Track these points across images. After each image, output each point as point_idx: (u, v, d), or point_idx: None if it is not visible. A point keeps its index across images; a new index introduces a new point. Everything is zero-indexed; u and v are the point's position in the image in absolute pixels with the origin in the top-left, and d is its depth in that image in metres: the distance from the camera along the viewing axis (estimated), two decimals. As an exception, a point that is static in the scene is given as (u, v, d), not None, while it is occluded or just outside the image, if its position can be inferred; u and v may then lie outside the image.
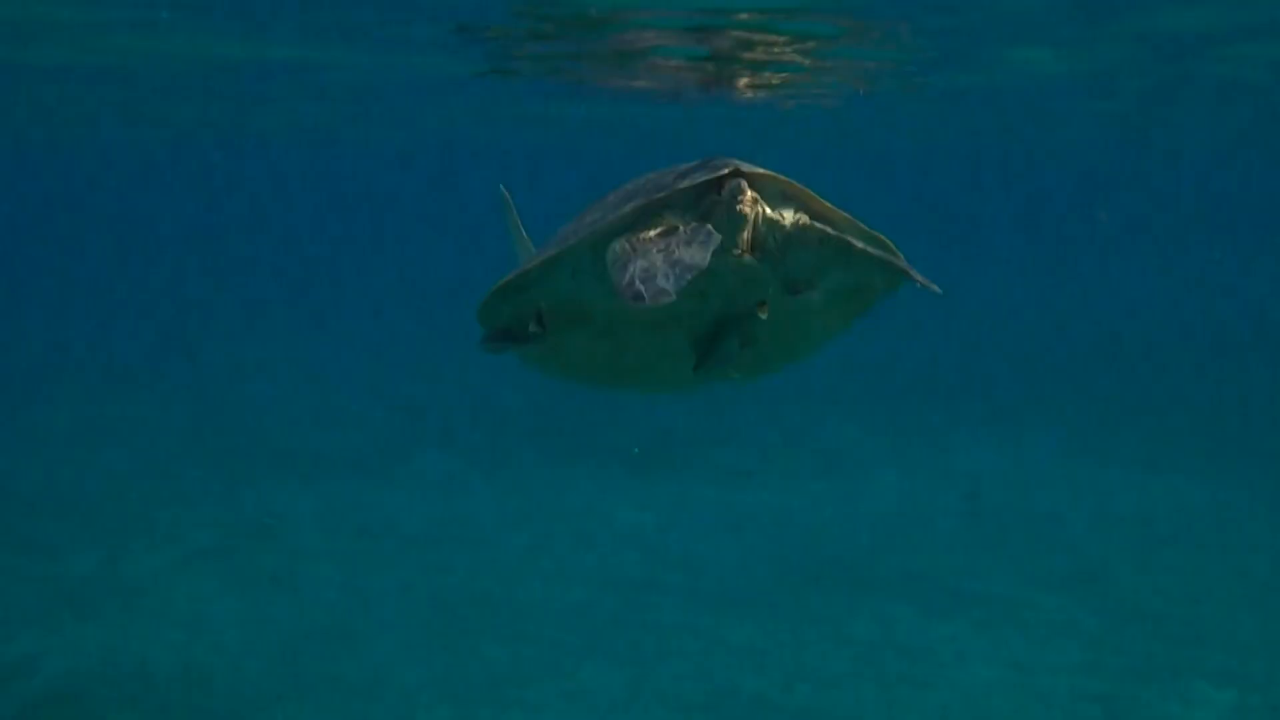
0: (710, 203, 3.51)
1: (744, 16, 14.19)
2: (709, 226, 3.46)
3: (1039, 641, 11.25)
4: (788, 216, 3.63)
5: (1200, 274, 45.18)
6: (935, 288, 3.77)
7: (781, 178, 3.61)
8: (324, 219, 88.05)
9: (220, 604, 12.38)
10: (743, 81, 19.17)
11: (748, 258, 3.60)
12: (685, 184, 3.49)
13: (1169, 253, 56.56)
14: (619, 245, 3.51)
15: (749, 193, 3.50)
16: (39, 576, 13.05)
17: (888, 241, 3.83)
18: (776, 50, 16.33)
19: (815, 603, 12.34)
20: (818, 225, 3.64)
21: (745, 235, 3.55)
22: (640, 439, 18.49)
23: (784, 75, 18.76)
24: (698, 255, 3.34)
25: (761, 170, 3.58)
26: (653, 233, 3.49)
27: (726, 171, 3.51)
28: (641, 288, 3.29)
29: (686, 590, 12.78)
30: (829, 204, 3.74)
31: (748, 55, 16.76)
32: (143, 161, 52.74)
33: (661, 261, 3.35)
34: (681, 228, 3.49)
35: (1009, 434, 19.53)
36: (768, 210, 3.59)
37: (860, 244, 3.70)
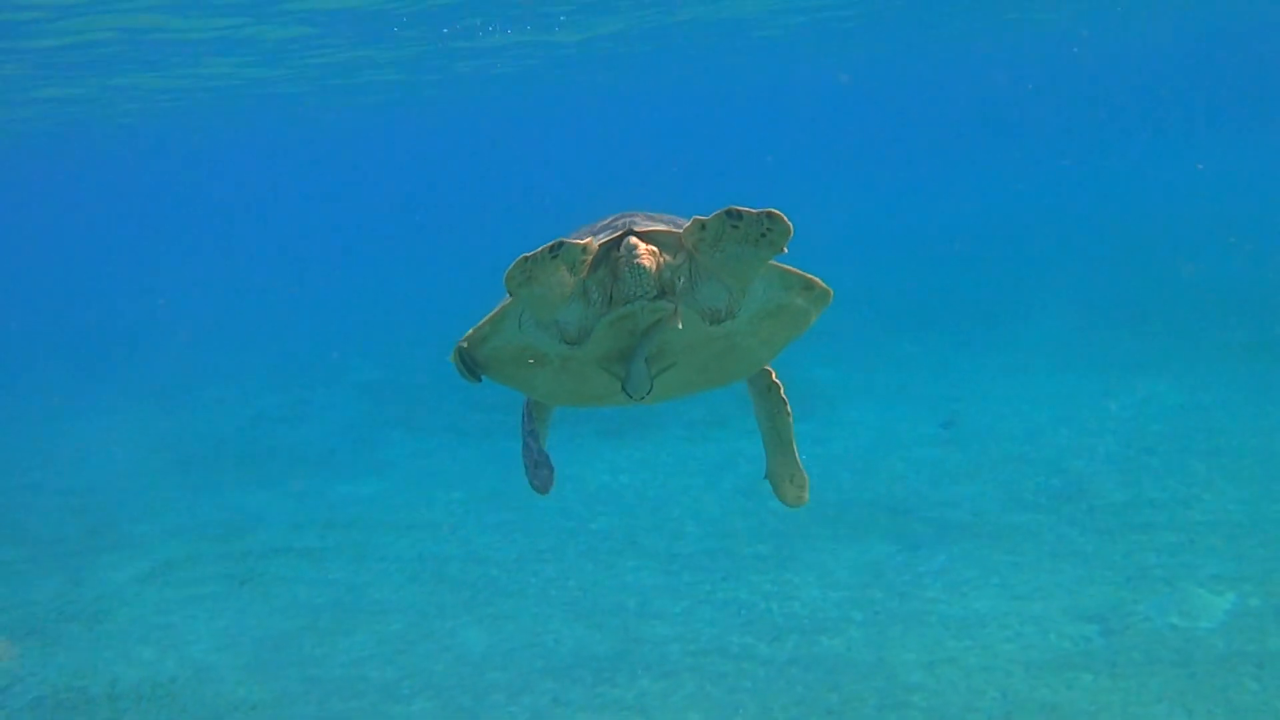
0: (614, 258, 3.89)
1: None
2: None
3: (1030, 565, 10.93)
4: (684, 260, 3.97)
5: (1147, 170, 44.86)
6: (830, 291, 4.39)
7: (676, 230, 3.90)
8: (265, 215, 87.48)
9: (189, 615, 12.01)
10: None
11: (662, 301, 3.97)
12: (596, 242, 3.85)
13: (1105, 149, 56.15)
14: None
15: (643, 247, 3.86)
16: (1, 607, 12.64)
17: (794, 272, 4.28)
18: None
19: (799, 550, 12.00)
20: (722, 260, 3.91)
21: (651, 282, 3.91)
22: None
23: None
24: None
25: (657, 227, 3.91)
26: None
27: (621, 233, 3.88)
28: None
29: (665, 550, 12.45)
30: None
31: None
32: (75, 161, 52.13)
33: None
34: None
35: (980, 354, 19.23)
36: (668, 258, 3.93)
37: (759, 271, 3.99)
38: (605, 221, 4.09)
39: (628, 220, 3.97)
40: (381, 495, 15.56)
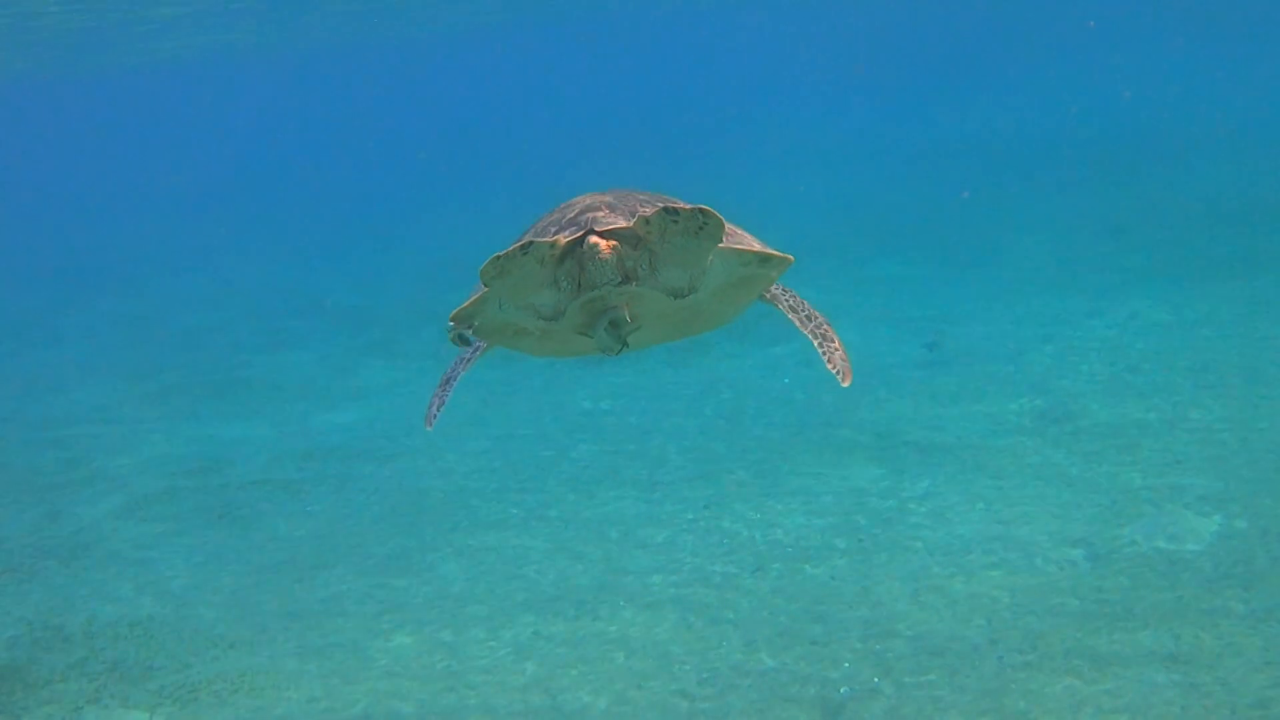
0: (578, 254, 4.19)
1: None
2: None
3: (1015, 489, 10.82)
4: (644, 250, 4.23)
5: (1126, 82, 44.40)
6: (789, 257, 4.62)
7: (635, 224, 4.10)
8: (245, 139, 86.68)
9: (168, 550, 11.88)
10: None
11: (629, 285, 4.26)
12: (563, 238, 4.15)
13: (1088, 64, 55.56)
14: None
15: (604, 244, 4.14)
16: (-26, 543, 12.50)
17: (755, 249, 4.57)
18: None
19: (783, 476, 11.89)
20: (673, 250, 4.22)
21: (614, 271, 4.20)
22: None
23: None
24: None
25: (617, 224, 4.18)
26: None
27: (582, 233, 4.16)
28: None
29: (647, 478, 12.32)
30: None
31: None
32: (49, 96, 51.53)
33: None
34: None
35: (964, 275, 19.03)
36: (629, 249, 4.20)
37: (710, 255, 4.29)
38: (576, 211, 4.38)
39: (591, 216, 4.26)
40: (361, 424, 15.39)
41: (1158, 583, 8.81)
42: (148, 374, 19.23)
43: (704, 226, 4.04)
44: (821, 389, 14.35)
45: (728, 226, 4.36)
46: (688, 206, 3.99)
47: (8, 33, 28.82)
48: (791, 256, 4.65)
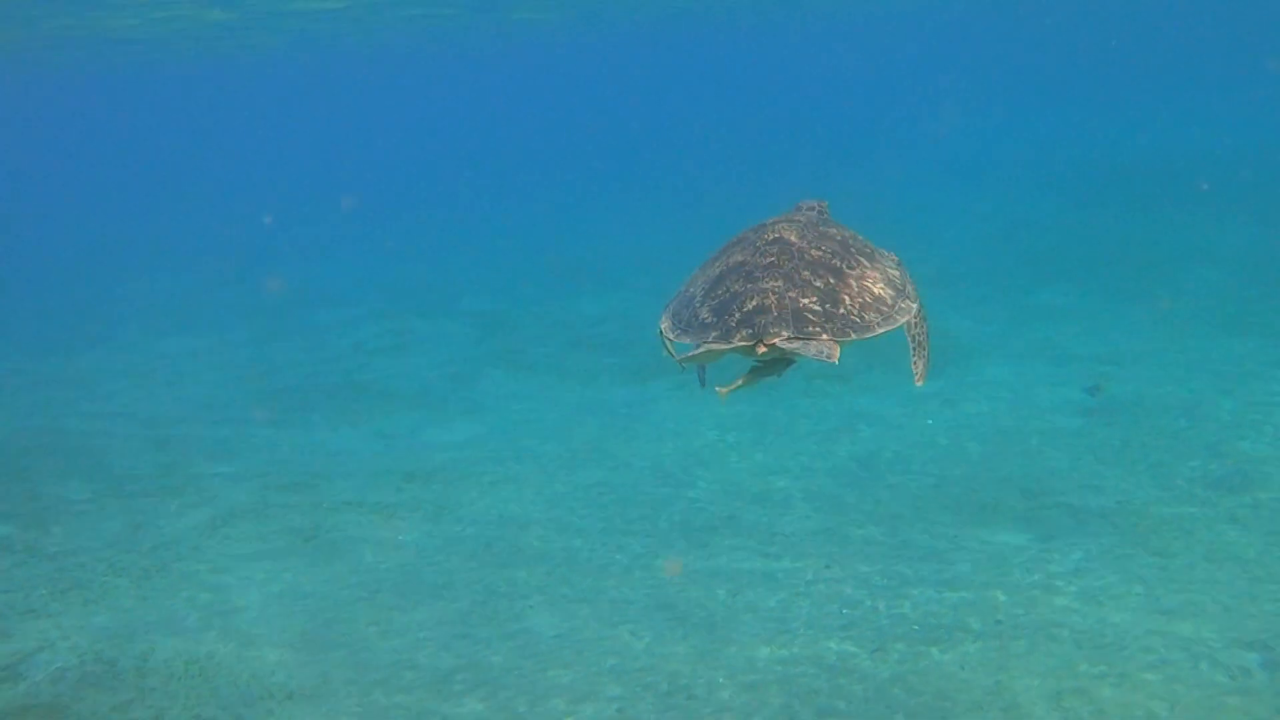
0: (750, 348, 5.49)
1: None
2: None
3: (1181, 571, 9.42)
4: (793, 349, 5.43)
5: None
6: (908, 314, 6.01)
7: (785, 335, 5.36)
8: (383, 139, 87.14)
9: (244, 575, 11.05)
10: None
11: (789, 359, 5.73)
12: (738, 341, 5.42)
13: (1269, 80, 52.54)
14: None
15: (763, 348, 5.39)
16: (54, 552, 11.79)
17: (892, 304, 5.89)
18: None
19: (916, 536, 10.62)
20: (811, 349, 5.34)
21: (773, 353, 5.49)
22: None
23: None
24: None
25: (780, 335, 5.34)
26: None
27: (752, 342, 5.38)
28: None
29: (766, 527, 11.14)
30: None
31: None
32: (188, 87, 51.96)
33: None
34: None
35: (1133, 309, 17.42)
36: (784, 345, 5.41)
37: (850, 336, 5.53)
38: (752, 302, 5.60)
39: (762, 321, 5.44)
40: (470, 443, 14.45)
41: (1352, 709, 7.41)
42: (264, 372, 18.60)
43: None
44: (967, 435, 13.02)
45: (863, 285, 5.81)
46: (810, 347, 5.29)
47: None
48: (913, 306, 6.05)
